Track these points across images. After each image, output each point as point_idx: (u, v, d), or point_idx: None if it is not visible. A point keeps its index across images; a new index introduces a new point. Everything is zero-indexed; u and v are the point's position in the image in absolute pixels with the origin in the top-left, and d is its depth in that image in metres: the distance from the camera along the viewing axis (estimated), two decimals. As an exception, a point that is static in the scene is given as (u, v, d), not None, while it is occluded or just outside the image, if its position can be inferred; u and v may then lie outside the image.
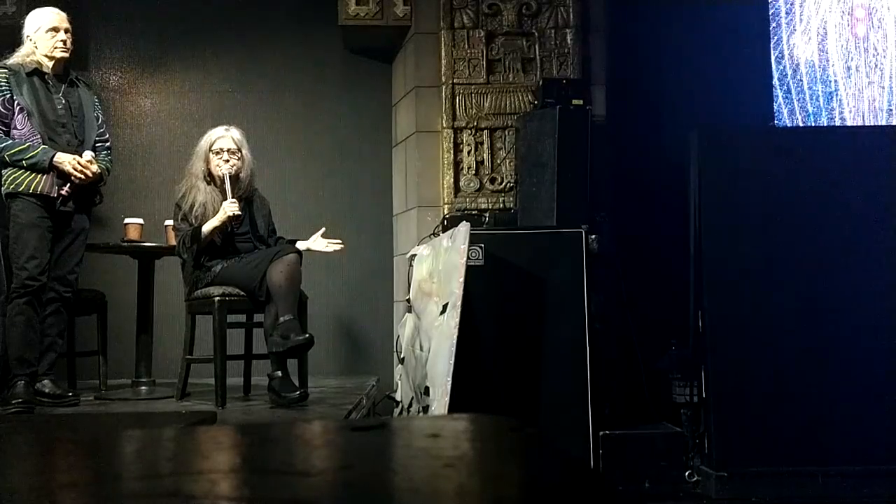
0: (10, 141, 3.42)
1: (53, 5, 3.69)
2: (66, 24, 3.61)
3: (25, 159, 3.39)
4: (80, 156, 3.49)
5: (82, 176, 3.47)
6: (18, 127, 3.45)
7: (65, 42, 3.58)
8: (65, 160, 3.43)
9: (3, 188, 3.46)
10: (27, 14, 3.73)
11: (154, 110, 5.44)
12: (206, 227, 3.63)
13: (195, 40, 5.43)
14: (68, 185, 3.46)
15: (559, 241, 4.03)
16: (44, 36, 3.54)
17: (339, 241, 3.89)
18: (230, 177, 3.69)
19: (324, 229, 3.90)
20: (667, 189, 4.55)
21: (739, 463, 3.72)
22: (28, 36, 3.57)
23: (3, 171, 3.46)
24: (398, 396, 4.46)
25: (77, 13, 3.73)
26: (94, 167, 3.53)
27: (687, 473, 3.91)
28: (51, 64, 3.56)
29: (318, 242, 3.85)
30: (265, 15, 5.46)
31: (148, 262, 4.15)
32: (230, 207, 3.63)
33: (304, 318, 3.61)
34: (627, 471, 3.91)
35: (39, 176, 3.42)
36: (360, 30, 5.17)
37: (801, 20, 5.31)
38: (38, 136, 3.44)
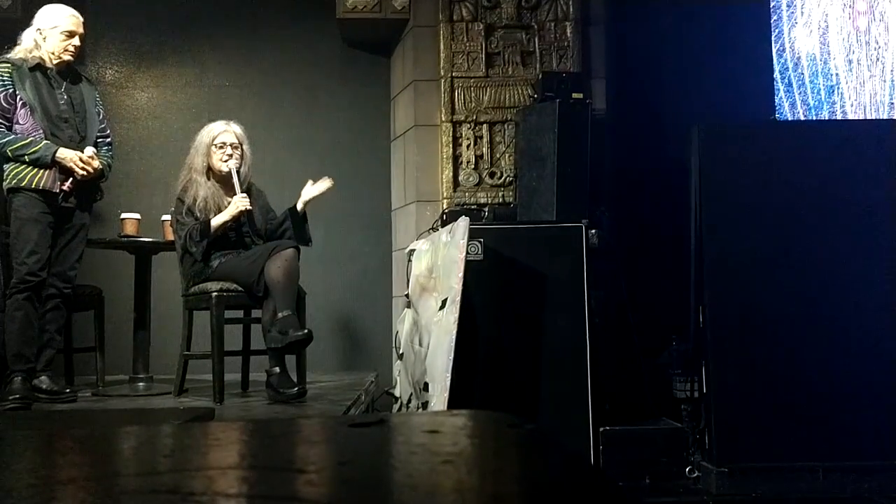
0: (13, 136, 3.41)
1: (57, 0, 3.67)
2: (81, 30, 3.62)
3: (28, 154, 3.38)
4: (82, 151, 3.48)
5: (84, 172, 3.46)
6: (21, 122, 3.44)
7: (76, 48, 3.58)
8: (67, 156, 3.43)
9: (4, 183, 3.45)
10: (22, 8, 3.71)
11: (151, 104, 5.43)
12: (216, 222, 3.61)
13: (192, 34, 5.42)
14: (70, 180, 3.45)
15: (559, 235, 4.01)
16: (57, 36, 3.54)
17: (328, 178, 3.85)
18: (236, 170, 3.68)
19: (310, 181, 3.87)
20: (667, 183, 4.54)
21: (740, 458, 3.71)
22: (39, 29, 3.55)
23: (5, 166, 3.45)
24: (397, 392, 4.45)
25: (74, 6, 3.70)
26: (97, 163, 3.52)
27: (687, 469, 3.90)
28: (55, 62, 3.55)
29: (309, 191, 3.83)
30: (263, 8, 5.44)
31: (145, 257, 4.13)
32: (242, 202, 3.63)
33: (302, 313, 3.61)
34: (628, 467, 3.90)
35: (42, 171, 3.41)
36: (359, 23, 5.16)
37: (802, 13, 5.29)
38: (41, 132, 3.44)
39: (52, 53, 3.54)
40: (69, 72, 3.63)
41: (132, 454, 1.28)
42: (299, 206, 3.83)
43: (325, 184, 3.84)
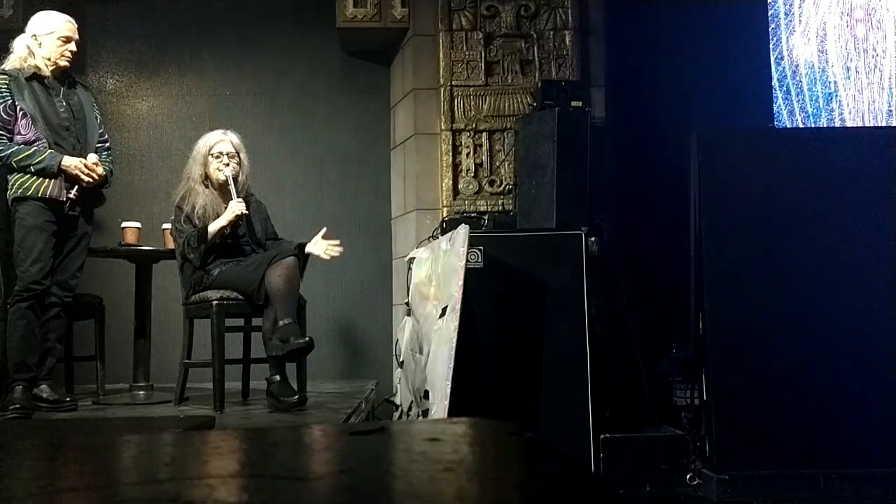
0: (16, 147, 3.41)
1: (54, 9, 3.68)
2: (77, 36, 3.63)
3: (33, 164, 3.39)
4: (85, 158, 3.49)
5: (90, 179, 3.47)
6: (22, 132, 3.44)
7: (72, 53, 3.59)
8: (72, 163, 3.43)
9: (9, 192, 3.46)
10: (24, 17, 3.72)
11: (151, 114, 5.44)
12: (213, 227, 3.62)
13: (193, 43, 5.43)
14: (76, 188, 3.46)
15: (559, 243, 4.02)
16: (54, 42, 3.54)
17: (338, 244, 3.79)
18: (233, 178, 3.69)
19: (325, 229, 3.83)
20: (667, 191, 4.55)
21: (741, 465, 3.71)
22: (34, 35, 3.54)
23: (9, 177, 3.45)
24: (397, 400, 4.45)
25: (74, 16, 3.72)
26: (101, 169, 3.53)
27: (688, 476, 3.89)
28: (50, 69, 3.55)
29: (317, 246, 3.76)
30: (263, 18, 5.46)
31: (145, 265, 4.14)
32: (238, 207, 3.63)
33: (302, 321, 3.60)
34: (628, 474, 3.90)
35: (47, 180, 3.41)
36: (358, 32, 5.17)
37: (800, 21, 5.31)
38: (44, 141, 3.44)
39: (48, 60, 3.53)
40: (65, 78, 3.63)
41: (132, 463, 1.28)
42: (307, 249, 3.77)
43: (333, 252, 3.75)
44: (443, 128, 4.83)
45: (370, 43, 5.30)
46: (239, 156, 3.80)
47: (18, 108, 3.44)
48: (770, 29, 5.29)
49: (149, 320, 4.13)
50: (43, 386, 3.51)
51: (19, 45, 3.55)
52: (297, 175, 5.41)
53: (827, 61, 5.27)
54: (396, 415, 4.38)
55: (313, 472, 1.07)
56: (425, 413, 3.69)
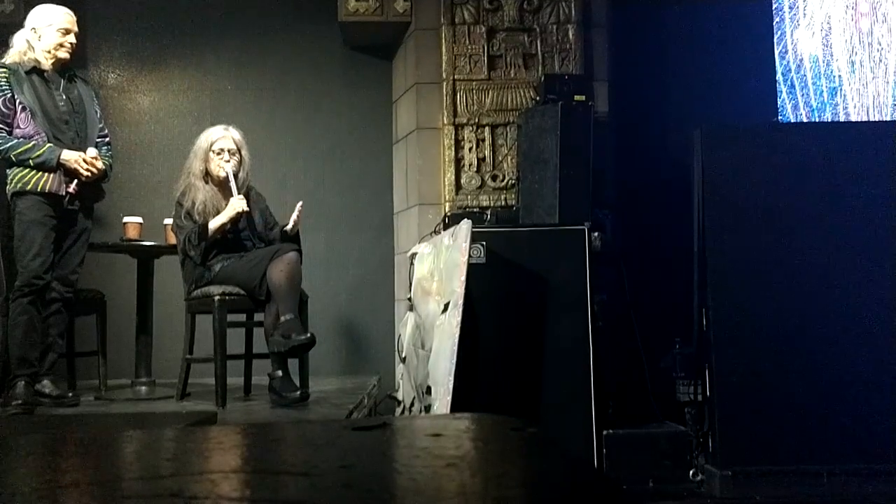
0: (15, 140, 3.40)
1: (54, 2, 3.67)
2: (76, 28, 3.62)
3: (32, 158, 3.38)
4: (85, 152, 3.48)
5: (89, 173, 3.46)
6: (21, 126, 3.43)
7: (72, 45, 3.58)
8: (72, 157, 3.42)
9: (9, 187, 3.45)
10: (25, 13, 3.71)
11: (153, 108, 5.43)
12: (214, 224, 3.62)
13: (194, 38, 5.42)
14: (75, 182, 3.45)
15: (561, 238, 4.01)
16: (53, 34, 3.53)
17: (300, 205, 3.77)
18: (234, 174, 3.69)
19: (301, 203, 3.80)
20: (670, 185, 4.54)
21: (744, 461, 3.71)
22: (34, 28, 3.54)
23: (9, 171, 3.45)
24: (400, 396, 4.45)
25: (76, 10, 3.71)
26: (100, 163, 3.53)
27: (691, 472, 3.89)
28: (50, 62, 3.54)
29: (292, 218, 3.75)
30: (264, 12, 5.45)
31: (147, 261, 4.13)
32: (239, 204, 3.63)
33: (304, 317, 3.60)
34: (631, 470, 3.90)
35: (47, 175, 3.41)
36: (360, 26, 5.16)
37: (804, 15, 5.29)
38: (43, 135, 3.43)
39: (48, 53, 3.53)
40: (65, 72, 3.62)
41: (135, 458, 1.28)
42: (288, 228, 3.76)
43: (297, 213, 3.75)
44: (445, 122, 4.82)
45: (372, 37, 5.29)
46: (240, 153, 3.79)
47: (18, 101, 3.43)
48: (774, 23, 5.28)
49: (151, 316, 4.13)
50: (45, 381, 3.50)
51: (19, 39, 3.54)
52: (299, 170, 5.41)
53: (831, 55, 5.25)
54: (399, 410, 4.38)
55: (316, 468, 1.07)
56: (428, 409, 3.69)
